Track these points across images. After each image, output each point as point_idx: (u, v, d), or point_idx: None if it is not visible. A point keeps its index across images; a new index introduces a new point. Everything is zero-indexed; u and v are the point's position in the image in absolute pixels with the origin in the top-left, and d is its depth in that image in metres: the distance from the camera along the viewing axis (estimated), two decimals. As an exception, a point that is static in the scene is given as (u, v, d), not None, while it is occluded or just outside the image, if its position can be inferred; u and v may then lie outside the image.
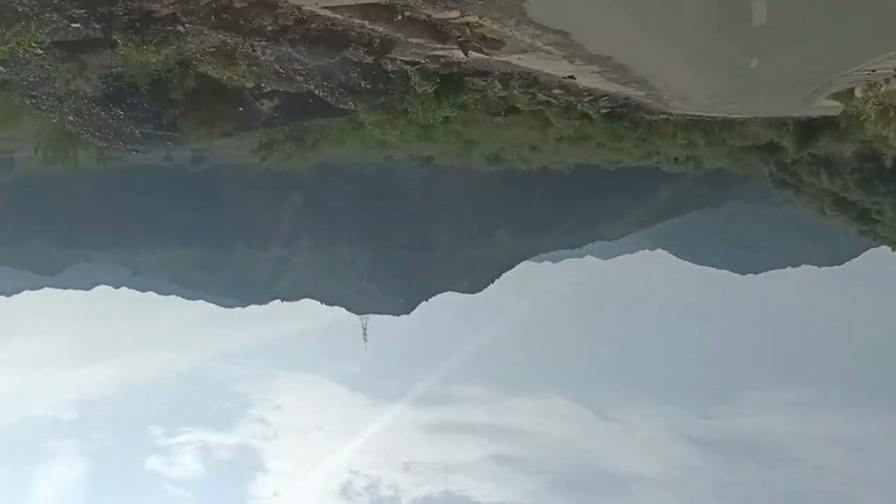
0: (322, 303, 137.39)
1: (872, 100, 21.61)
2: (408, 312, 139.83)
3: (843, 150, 49.01)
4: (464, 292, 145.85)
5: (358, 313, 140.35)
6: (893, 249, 70.69)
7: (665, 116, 33.27)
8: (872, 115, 22.59)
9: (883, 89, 20.26)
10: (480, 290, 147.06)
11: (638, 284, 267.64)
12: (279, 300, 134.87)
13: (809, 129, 43.50)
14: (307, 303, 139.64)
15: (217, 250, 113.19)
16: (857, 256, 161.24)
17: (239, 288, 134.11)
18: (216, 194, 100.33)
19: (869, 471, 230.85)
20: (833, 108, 29.07)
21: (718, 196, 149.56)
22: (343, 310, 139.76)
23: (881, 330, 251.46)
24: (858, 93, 22.86)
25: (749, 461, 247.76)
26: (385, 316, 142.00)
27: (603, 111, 29.56)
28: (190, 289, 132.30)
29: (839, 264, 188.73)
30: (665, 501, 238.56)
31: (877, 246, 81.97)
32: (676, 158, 70.65)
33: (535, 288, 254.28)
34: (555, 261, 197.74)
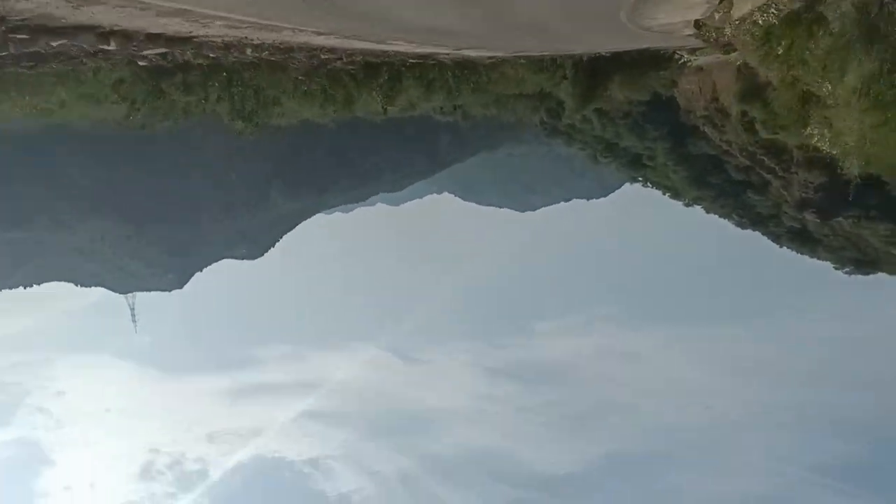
0: (77, 285, 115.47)
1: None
2: (180, 286, 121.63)
3: (625, 95, 39.23)
4: (243, 259, 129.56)
5: (122, 292, 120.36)
6: (664, 193, 65.53)
7: (307, 58, 21.50)
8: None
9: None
10: (262, 255, 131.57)
11: (429, 227, 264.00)
12: (22, 287, 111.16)
13: (592, 73, 33.06)
14: (61, 286, 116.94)
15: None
16: (619, 188, 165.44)
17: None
18: None
19: (647, 379, 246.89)
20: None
21: (494, 140, 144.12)
22: (103, 290, 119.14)
23: (647, 251, 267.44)
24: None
25: (544, 384, 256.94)
26: (155, 293, 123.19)
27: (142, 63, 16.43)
28: None
29: (605, 196, 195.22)
30: (473, 431, 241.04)
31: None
32: (442, 109, 59.89)
33: (327, 239, 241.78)
34: (346, 211, 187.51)
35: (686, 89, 49.14)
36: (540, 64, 31.57)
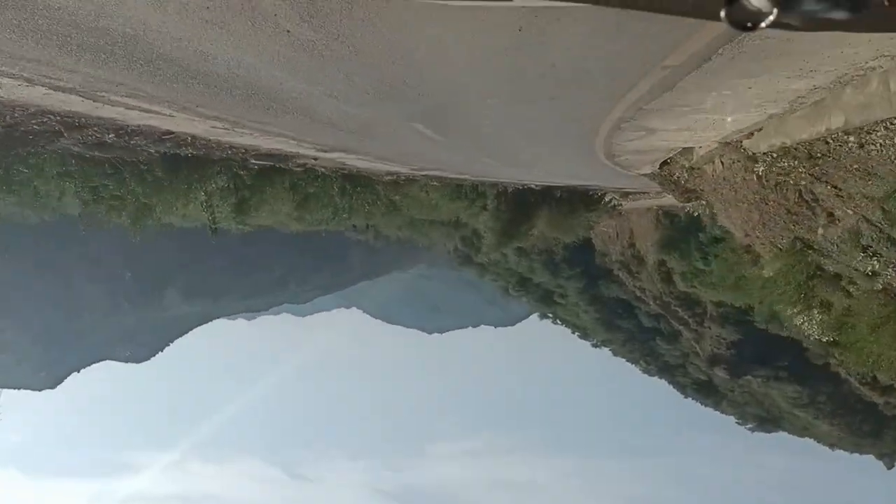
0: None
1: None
2: (52, 386, 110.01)
3: (552, 236, 35.94)
4: (127, 361, 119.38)
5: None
6: (573, 332, 63.68)
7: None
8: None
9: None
10: (148, 358, 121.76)
11: (332, 342, 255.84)
12: None
13: (517, 206, 29.81)
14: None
15: None
16: (526, 318, 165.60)
17: None
18: None
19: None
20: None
21: (407, 260, 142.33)
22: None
23: (550, 384, 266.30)
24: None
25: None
26: (23, 391, 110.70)
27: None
28: None
29: (512, 325, 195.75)
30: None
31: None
32: (355, 226, 57.06)
33: (224, 346, 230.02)
34: (249, 319, 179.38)
35: (602, 232, 48.12)
36: (457, 191, 28.16)
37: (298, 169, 19.19)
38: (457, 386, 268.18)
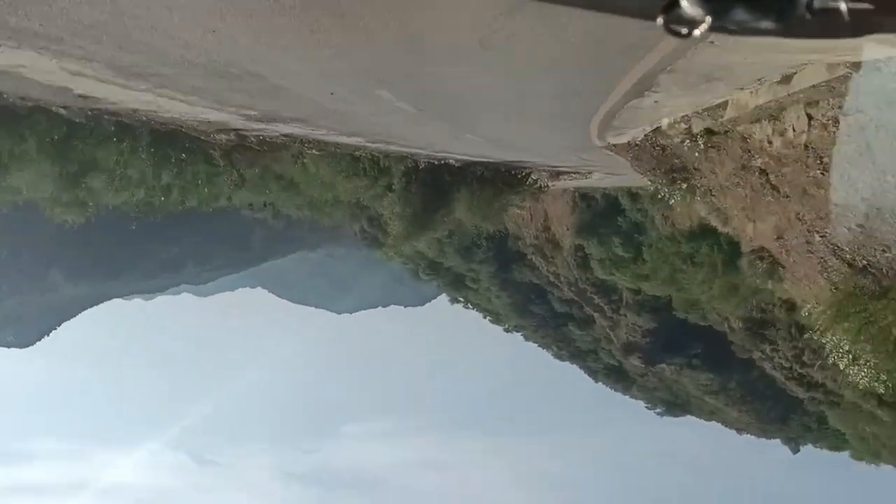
0: None
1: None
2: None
3: (474, 223, 31.32)
4: (10, 346, 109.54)
5: None
6: (485, 317, 61.26)
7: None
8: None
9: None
10: (34, 343, 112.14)
11: (237, 321, 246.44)
12: None
13: (430, 187, 24.57)
14: None
15: None
16: (436, 298, 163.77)
17: None
18: None
19: (456, 489, 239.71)
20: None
21: (313, 239, 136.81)
22: None
23: (460, 361, 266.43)
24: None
25: (350, 492, 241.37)
26: None
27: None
28: None
29: (421, 305, 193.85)
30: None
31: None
32: (251, 205, 52.41)
33: (118, 327, 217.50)
34: (147, 299, 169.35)
35: (516, 214, 45.34)
36: (354, 165, 23.04)
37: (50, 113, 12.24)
38: (368, 367, 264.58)
